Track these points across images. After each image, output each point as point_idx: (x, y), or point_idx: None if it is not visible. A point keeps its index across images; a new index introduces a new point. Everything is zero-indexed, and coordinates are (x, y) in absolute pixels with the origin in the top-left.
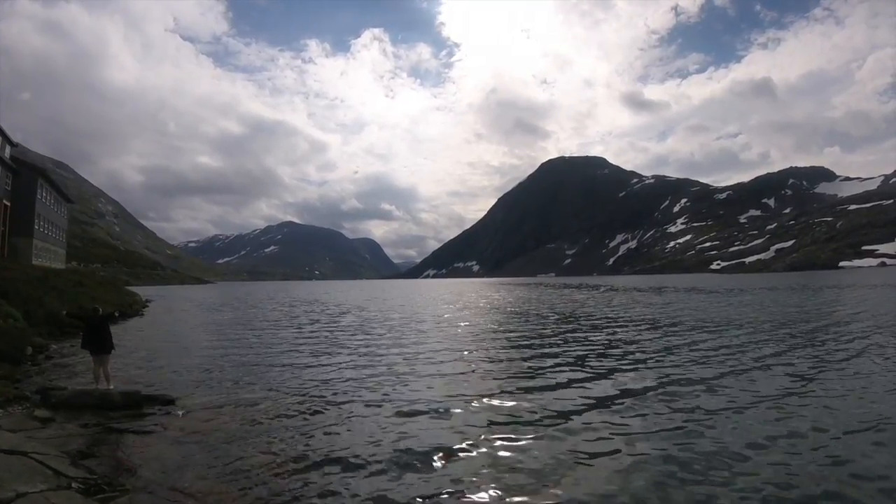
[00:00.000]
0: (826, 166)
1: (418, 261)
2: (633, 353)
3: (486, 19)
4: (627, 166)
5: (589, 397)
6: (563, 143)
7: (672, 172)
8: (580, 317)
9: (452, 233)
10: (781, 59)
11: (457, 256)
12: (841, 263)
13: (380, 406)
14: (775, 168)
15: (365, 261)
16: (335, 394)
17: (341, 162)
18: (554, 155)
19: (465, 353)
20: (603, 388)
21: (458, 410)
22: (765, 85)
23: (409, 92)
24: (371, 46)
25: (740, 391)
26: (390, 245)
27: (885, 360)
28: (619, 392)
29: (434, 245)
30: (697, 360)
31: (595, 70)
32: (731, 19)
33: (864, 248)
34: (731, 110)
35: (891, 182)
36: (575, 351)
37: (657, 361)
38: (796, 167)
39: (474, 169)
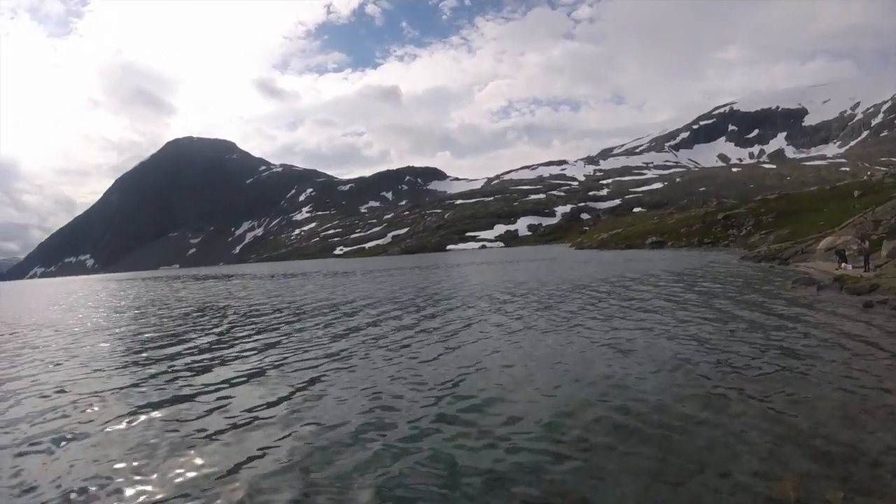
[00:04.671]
0: (439, 167)
1: (22, 256)
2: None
3: None
4: (256, 153)
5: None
6: (189, 122)
7: (299, 162)
8: (257, 313)
9: (60, 220)
10: (413, 73)
11: (67, 250)
12: (448, 247)
13: None
14: (394, 166)
15: None
16: None
17: None
18: (180, 134)
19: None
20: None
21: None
22: (393, 92)
23: (26, 38)
24: None
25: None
26: None
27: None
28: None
29: (40, 236)
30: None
31: (235, 48)
32: (377, 29)
33: (468, 234)
34: (359, 110)
35: (492, 184)
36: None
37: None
38: (413, 166)
39: (89, 142)
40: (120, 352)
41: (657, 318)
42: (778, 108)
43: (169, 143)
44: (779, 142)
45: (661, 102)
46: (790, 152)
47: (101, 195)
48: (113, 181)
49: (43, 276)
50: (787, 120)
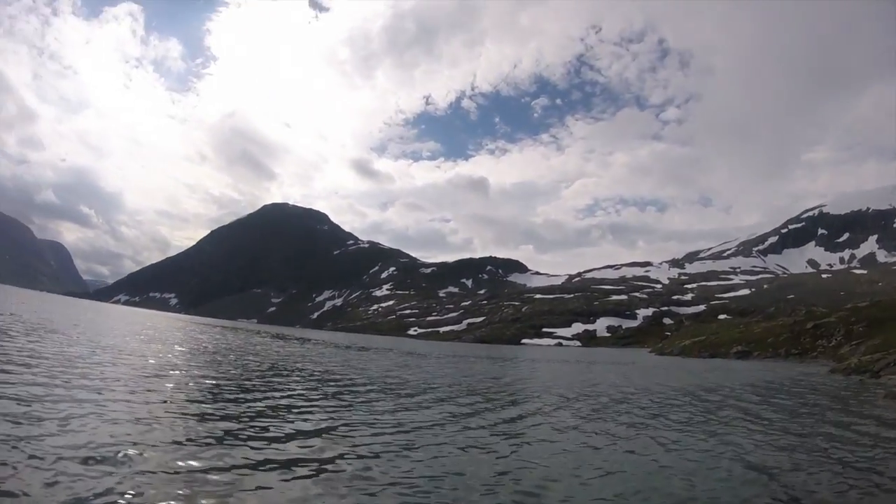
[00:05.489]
0: (520, 260)
1: (110, 282)
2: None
3: (253, 42)
4: (346, 227)
5: None
6: (287, 189)
7: (385, 241)
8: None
9: (153, 257)
10: (502, 167)
11: (154, 285)
12: (523, 340)
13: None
14: (477, 254)
15: (49, 269)
16: None
17: (51, 142)
18: (278, 199)
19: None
20: None
21: None
22: (481, 183)
23: (147, 87)
24: (122, 21)
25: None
26: (82, 256)
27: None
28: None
29: (131, 267)
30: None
31: (337, 127)
32: (471, 122)
33: (544, 330)
34: (448, 198)
35: (573, 281)
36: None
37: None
38: (495, 257)
39: (192, 192)
40: (187, 395)
41: (743, 434)
42: (868, 209)
43: (266, 206)
44: (870, 245)
45: (749, 205)
46: (881, 256)
47: (195, 241)
48: (209, 231)
49: (126, 303)
50: (878, 222)
